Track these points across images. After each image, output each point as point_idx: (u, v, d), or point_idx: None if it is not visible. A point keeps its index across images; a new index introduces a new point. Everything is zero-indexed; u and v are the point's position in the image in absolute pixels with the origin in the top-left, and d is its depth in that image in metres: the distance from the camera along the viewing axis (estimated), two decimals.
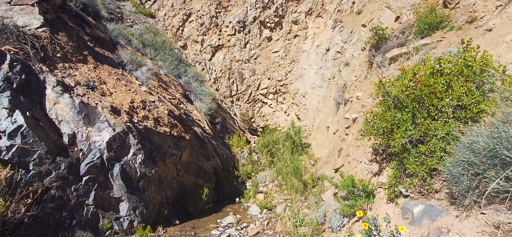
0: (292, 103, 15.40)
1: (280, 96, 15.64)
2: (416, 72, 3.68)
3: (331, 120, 11.12)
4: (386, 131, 3.89)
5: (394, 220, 3.51)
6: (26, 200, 4.49)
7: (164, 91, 9.16)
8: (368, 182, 5.18)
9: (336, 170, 6.99)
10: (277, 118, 16.00)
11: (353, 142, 6.85)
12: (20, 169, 4.76)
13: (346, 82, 10.74)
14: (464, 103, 3.20)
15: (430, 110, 3.47)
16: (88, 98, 6.05)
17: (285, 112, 15.92)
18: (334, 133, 9.75)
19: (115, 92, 6.78)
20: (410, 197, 3.57)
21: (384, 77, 5.58)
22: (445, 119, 3.28)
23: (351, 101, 9.06)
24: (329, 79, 13.31)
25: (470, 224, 2.88)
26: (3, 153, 4.71)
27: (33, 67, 5.73)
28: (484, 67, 3.17)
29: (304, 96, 14.53)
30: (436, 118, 3.42)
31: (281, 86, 15.36)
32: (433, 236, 3.02)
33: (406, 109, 3.69)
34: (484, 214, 2.80)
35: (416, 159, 3.46)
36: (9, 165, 4.55)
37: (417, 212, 3.32)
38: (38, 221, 4.60)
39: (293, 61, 15.01)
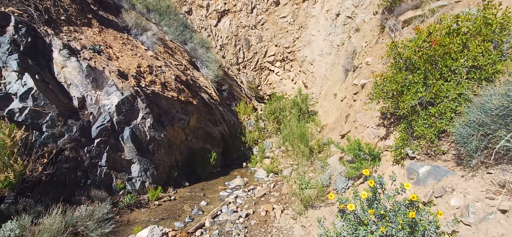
0: (300, 71, 15.16)
1: (287, 63, 15.37)
2: (431, 31, 3.53)
3: (338, 88, 10.99)
4: (395, 93, 3.83)
5: (399, 180, 3.56)
6: (42, 160, 4.67)
7: (170, 57, 9.08)
8: (374, 145, 5.20)
9: (343, 136, 7.02)
10: (284, 86, 15.86)
11: (360, 108, 6.80)
12: (34, 131, 4.90)
13: (356, 48, 10.45)
14: (480, 64, 3.09)
15: (443, 72, 3.37)
16: (95, 62, 6.05)
17: (292, 80, 15.73)
18: (342, 100, 9.68)
19: (121, 56, 6.75)
20: (417, 159, 3.59)
21: (397, 41, 5.40)
22: (458, 80, 3.19)
23: (360, 67, 8.87)
24: (338, 45, 12.96)
25: (475, 183, 2.90)
26: (16, 114, 4.83)
27: (38, 30, 5.70)
28: (505, 24, 3.02)
29: (312, 64, 14.25)
30: (448, 80, 3.33)
31: (289, 53, 15.04)
32: (437, 195, 3.07)
33: (417, 71, 3.59)
34: (491, 173, 2.81)
35: (425, 121, 3.43)
36: (23, 127, 4.68)
37: (423, 172, 3.35)
38: (55, 180, 4.81)
39: (302, 27, 14.56)
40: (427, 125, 3.40)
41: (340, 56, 12.37)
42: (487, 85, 2.85)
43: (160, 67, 7.38)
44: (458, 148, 3.15)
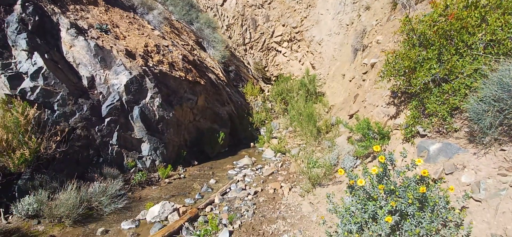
0: (307, 52, 14.90)
1: (294, 44, 15.10)
2: (448, 4, 3.40)
3: (347, 68, 10.83)
4: (408, 71, 3.74)
5: (409, 158, 3.55)
6: (55, 138, 4.78)
7: (177, 37, 9.00)
8: (384, 124, 5.16)
9: (351, 116, 6.97)
10: (291, 67, 15.66)
11: (369, 88, 6.72)
12: (46, 109, 4.99)
13: (366, 27, 10.19)
14: (499, 38, 2.98)
15: (458, 47, 3.27)
16: (102, 41, 6.04)
17: (300, 61, 15.51)
18: (350, 81, 9.56)
19: (129, 35, 6.72)
20: (428, 137, 3.55)
21: (411, 16, 5.23)
22: (474, 55, 3.09)
23: (370, 46, 8.67)
24: (347, 25, 12.63)
25: (488, 160, 2.87)
26: (28, 93, 4.91)
27: (45, 8, 5.67)
28: None
29: (319, 44, 13.97)
30: (464, 55, 3.23)
31: (296, 33, 14.74)
32: (448, 171, 3.05)
33: (432, 47, 3.49)
34: (504, 150, 2.77)
35: (438, 98, 3.36)
36: (36, 105, 4.77)
37: (433, 150, 3.32)
38: (68, 158, 4.94)
39: (310, 5, 14.18)
40: (439, 102, 3.34)
41: (349, 36, 12.09)
42: (505, 60, 2.76)
43: (167, 46, 7.34)
44: (472, 125, 3.09)
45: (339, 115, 7.81)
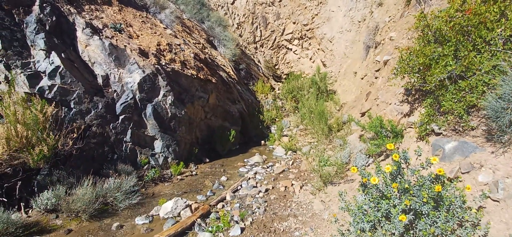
0: (318, 49, 14.77)
1: (305, 41, 15.00)
2: None
3: (359, 66, 10.69)
4: (422, 68, 3.67)
5: (423, 156, 3.48)
6: (72, 135, 4.92)
7: (188, 36, 9.09)
8: (397, 122, 5.08)
9: (363, 114, 6.89)
10: (302, 65, 15.57)
11: (382, 85, 6.62)
12: (63, 107, 5.14)
13: (378, 24, 10.02)
14: None
15: (476, 43, 3.18)
16: (116, 40, 6.17)
17: (311, 59, 15.39)
18: (362, 79, 9.45)
19: (142, 34, 6.83)
20: (443, 135, 3.47)
21: (426, 12, 5.11)
22: (493, 52, 3.00)
23: (383, 43, 8.52)
24: (359, 22, 12.45)
25: (506, 159, 2.79)
26: (46, 92, 5.07)
27: (62, 9, 5.84)
28: None
29: (331, 41, 13.83)
30: (481, 51, 3.14)
31: (307, 30, 14.63)
32: (464, 170, 2.98)
33: (448, 43, 3.40)
34: None
35: (454, 96, 3.28)
36: (53, 103, 4.92)
37: (449, 148, 3.25)
38: (84, 154, 5.08)
39: (321, 2, 14.03)
40: (456, 100, 3.26)
41: (361, 33, 11.92)
42: None
43: (179, 45, 7.42)
44: (489, 123, 3.01)
45: (351, 113, 7.73)
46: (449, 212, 2.31)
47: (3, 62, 4.99)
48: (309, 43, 14.92)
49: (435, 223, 2.29)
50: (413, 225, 2.45)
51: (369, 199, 2.70)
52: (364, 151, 5.33)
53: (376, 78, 7.60)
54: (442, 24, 3.42)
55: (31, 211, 4.27)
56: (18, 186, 4.33)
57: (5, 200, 4.14)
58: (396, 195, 2.60)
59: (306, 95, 10.85)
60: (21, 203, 4.27)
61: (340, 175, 5.06)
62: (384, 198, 2.61)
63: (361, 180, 2.79)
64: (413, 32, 4.84)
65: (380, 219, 2.57)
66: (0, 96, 4.66)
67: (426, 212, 2.32)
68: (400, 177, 2.63)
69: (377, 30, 9.76)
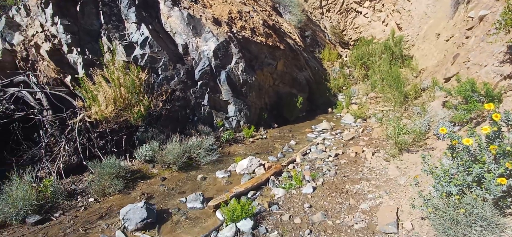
0: (393, 10, 13.23)
1: (377, 2, 13.56)
2: None
3: (443, 26, 9.32)
4: None
5: None
6: (161, 98, 5.59)
7: (255, 3, 9.11)
8: (494, 85, 4.40)
9: (447, 80, 6.14)
10: (373, 29, 14.24)
11: (475, 45, 5.74)
12: (152, 73, 5.82)
13: None
14: None
15: None
16: (193, 10, 6.57)
17: (383, 22, 13.93)
18: (447, 41, 8.30)
19: (214, 3, 7.11)
20: None
21: None
22: None
23: None
24: None
25: None
26: (139, 60, 5.78)
27: None
28: None
29: (408, 0, 12.22)
30: None
31: None
32: None
33: None
34: None
35: None
36: (146, 70, 5.61)
37: None
38: (171, 116, 5.74)
39: None
40: None
41: None
42: None
43: (249, 12, 7.52)
44: None
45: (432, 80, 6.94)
46: None
47: (106, 34, 5.83)
48: (382, 4, 13.48)
49: None
50: (511, 191, 2.20)
51: (458, 163, 2.48)
52: (448, 118, 4.80)
53: (467, 38, 6.59)
54: None
55: (134, 160, 5.09)
56: (123, 139, 5.19)
57: (115, 150, 5.03)
58: (492, 160, 2.34)
59: (378, 61, 10.01)
60: (126, 154, 5.12)
61: (418, 144, 4.69)
62: (476, 163, 2.36)
63: (449, 143, 2.56)
64: None
65: (471, 183, 2.36)
66: (105, 63, 5.50)
67: None
68: (500, 140, 2.34)
69: None
